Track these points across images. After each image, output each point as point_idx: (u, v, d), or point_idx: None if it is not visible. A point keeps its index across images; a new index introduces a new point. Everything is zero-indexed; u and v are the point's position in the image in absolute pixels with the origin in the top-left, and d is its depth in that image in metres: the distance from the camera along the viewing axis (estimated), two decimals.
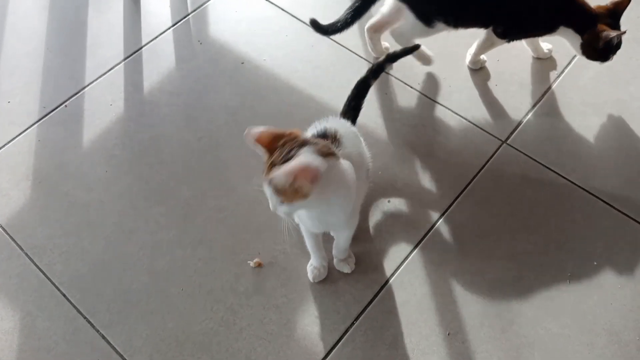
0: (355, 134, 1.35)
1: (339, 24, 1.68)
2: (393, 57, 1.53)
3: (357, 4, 1.66)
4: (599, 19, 1.59)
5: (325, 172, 1.02)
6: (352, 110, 1.48)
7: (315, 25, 1.69)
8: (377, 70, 1.50)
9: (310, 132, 1.30)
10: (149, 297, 1.44)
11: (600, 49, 1.60)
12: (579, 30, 1.61)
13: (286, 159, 1.02)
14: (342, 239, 1.38)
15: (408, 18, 1.68)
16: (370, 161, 1.39)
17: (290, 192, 1.03)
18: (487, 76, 1.82)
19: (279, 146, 1.06)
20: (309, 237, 1.37)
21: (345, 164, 1.15)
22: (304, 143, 1.06)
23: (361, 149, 1.33)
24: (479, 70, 1.83)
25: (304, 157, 1.01)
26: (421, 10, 1.65)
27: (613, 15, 1.61)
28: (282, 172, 0.99)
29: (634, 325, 1.39)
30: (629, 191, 1.58)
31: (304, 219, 1.26)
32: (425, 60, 1.79)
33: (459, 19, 1.66)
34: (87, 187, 1.61)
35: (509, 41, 1.71)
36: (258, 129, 1.09)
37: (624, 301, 1.42)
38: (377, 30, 1.80)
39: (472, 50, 1.80)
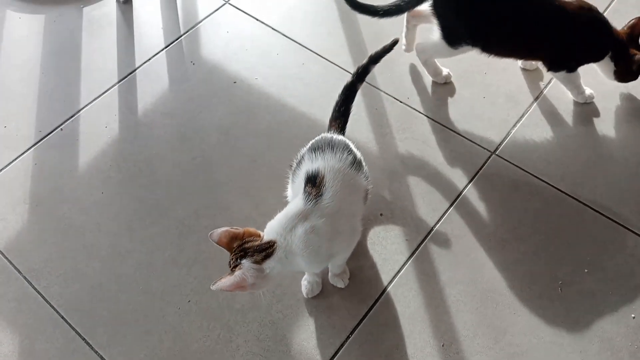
0: (351, 164, 1.32)
1: (388, 8, 1.68)
2: (375, 59, 1.52)
3: None
4: (626, 43, 1.66)
5: (262, 277, 1.21)
6: (341, 115, 1.49)
7: (352, 3, 1.69)
8: (362, 73, 1.51)
9: (305, 165, 1.32)
10: (145, 317, 1.45)
11: (634, 71, 1.67)
12: (615, 56, 1.66)
13: (234, 267, 1.22)
14: (338, 258, 1.40)
15: (434, 33, 1.69)
16: (370, 184, 1.41)
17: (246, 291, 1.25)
18: (476, 90, 1.85)
19: (234, 249, 1.23)
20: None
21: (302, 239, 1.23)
22: (245, 253, 1.22)
23: (357, 182, 1.33)
24: (467, 84, 1.85)
25: (238, 274, 1.19)
26: (449, 29, 1.65)
27: (633, 38, 1.67)
28: (220, 287, 1.19)
29: (625, 332, 1.40)
30: (617, 198, 1.60)
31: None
32: (438, 76, 1.83)
33: (493, 47, 1.66)
34: (83, 210, 1.63)
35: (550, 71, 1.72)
36: (218, 231, 1.24)
37: (616, 307, 1.44)
38: (414, 15, 1.79)
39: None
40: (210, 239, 1.25)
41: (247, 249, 1.22)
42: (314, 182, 1.26)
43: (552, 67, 1.70)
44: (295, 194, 1.33)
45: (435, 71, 1.83)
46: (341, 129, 1.47)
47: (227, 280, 1.19)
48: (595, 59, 1.69)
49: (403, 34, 1.85)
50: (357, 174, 1.33)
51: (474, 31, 1.64)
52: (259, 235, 1.25)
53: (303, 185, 1.27)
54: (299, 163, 1.35)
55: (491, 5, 1.61)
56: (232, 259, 1.24)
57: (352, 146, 1.39)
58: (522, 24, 1.61)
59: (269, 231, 1.25)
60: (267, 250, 1.22)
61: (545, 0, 1.61)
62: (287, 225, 1.23)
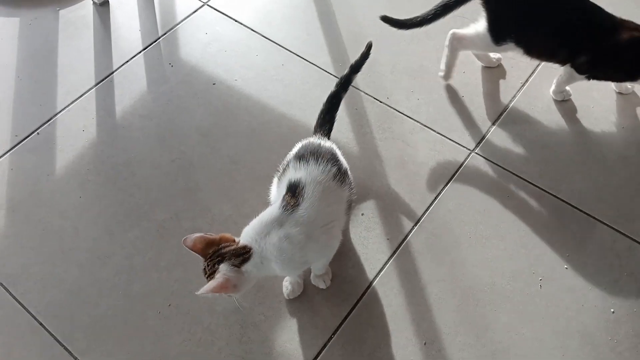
0: (334, 176, 1.31)
1: (419, 19, 1.67)
2: (356, 67, 1.54)
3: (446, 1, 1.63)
4: None
5: (242, 279, 1.22)
6: (326, 123, 1.51)
7: (387, 20, 1.69)
8: (346, 82, 1.53)
9: (290, 172, 1.31)
10: (126, 321, 1.43)
11: None
12: None
13: (212, 272, 1.22)
14: (318, 263, 1.40)
15: (480, 25, 1.68)
16: (354, 194, 1.42)
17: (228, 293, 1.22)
18: (454, 89, 1.86)
19: (210, 254, 1.23)
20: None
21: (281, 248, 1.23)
22: (222, 258, 1.22)
23: (338, 194, 1.32)
24: (447, 85, 1.86)
25: (219, 278, 1.20)
26: (496, 23, 1.64)
27: None
28: (206, 291, 1.18)
29: (605, 326, 1.42)
30: (596, 195, 1.62)
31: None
32: (489, 61, 1.85)
33: (534, 47, 1.66)
34: (61, 214, 1.61)
35: (589, 78, 1.69)
36: (192, 237, 1.24)
37: (596, 302, 1.45)
38: (459, 39, 1.76)
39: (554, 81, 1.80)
40: (183, 245, 1.24)
41: (224, 253, 1.23)
42: (293, 191, 1.26)
43: (582, 69, 1.67)
44: (276, 199, 1.33)
45: (485, 58, 1.85)
46: (327, 136, 1.49)
47: (210, 284, 1.19)
48: (632, 79, 1.69)
49: (443, 61, 1.81)
50: (341, 185, 1.32)
51: (521, 29, 1.63)
52: (234, 241, 1.25)
53: (283, 193, 1.27)
54: (285, 169, 1.35)
55: (544, 5, 1.61)
56: (207, 265, 1.24)
57: (338, 155, 1.39)
58: (572, 28, 1.61)
59: (245, 236, 1.25)
60: (243, 255, 1.22)
61: (601, 11, 1.60)
62: (261, 231, 1.23)
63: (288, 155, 1.40)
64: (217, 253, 1.22)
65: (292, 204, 1.24)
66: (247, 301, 1.45)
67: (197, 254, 1.25)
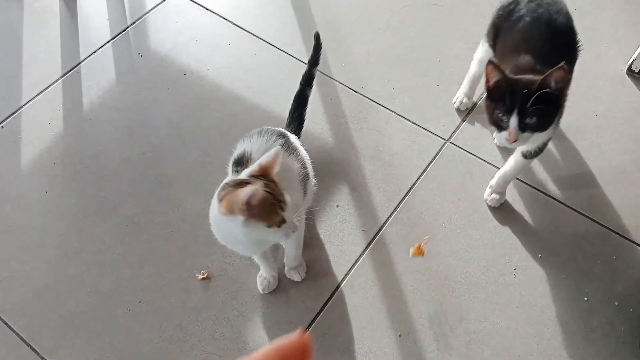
0: (282, 145, 1.31)
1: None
2: (314, 62, 1.53)
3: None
4: None
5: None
6: (295, 121, 1.51)
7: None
8: (309, 78, 1.52)
9: (234, 154, 1.31)
10: (95, 319, 1.40)
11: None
12: None
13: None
14: (292, 246, 1.38)
15: None
16: (311, 174, 1.41)
17: None
18: (430, 78, 1.84)
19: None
20: (258, 258, 1.38)
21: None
22: None
23: (288, 162, 1.31)
24: (421, 73, 1.84)
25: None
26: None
27: None
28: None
29: (579, 315, 1.42)
30: (567, 182, 1.62)
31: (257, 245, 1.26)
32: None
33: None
34: (28, 209, 1.56)
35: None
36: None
37: (569, 291, 1.46)
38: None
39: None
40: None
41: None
42: (239, 162, 1.24)
43: None
44: None
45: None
46: (296, 133, 1.48)
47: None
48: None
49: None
50: (288, 155, 1.31)
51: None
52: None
53: (231, 171, 1.26)
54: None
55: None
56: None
57: (288, 134, 1.38)
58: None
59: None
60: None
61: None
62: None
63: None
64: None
65: (240, 170, 1.21)
66: (219, 297, 1.43)
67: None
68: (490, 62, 1.25)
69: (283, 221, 1.10)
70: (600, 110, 1.77)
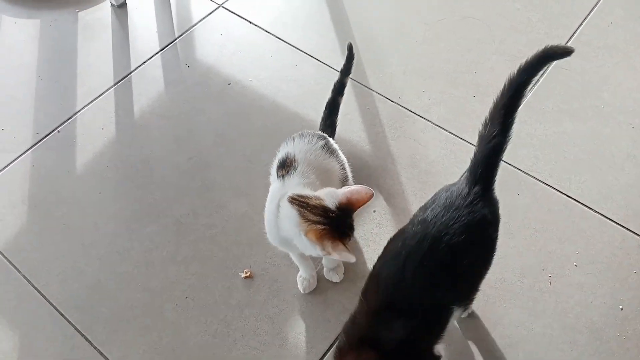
0: (323, 147, 1.39)
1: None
2: (346, 71, 1.63)
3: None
4: None
5: None
6: (328, 127, 1.59)
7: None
8: (340, 87, 1.61)
9: (276, 158, 1.39)
10: (144, 313, 1.48)
11: None
12: None
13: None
14: None
15: None
16: (348, 172, 1.48)
17: None
18: (466, 89, 1.89)
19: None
20: (297, 258, 1.44)
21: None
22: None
23: (329, 163, 1.39)
24: (457, 84, 1.89)
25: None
26: None
27: None
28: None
29: (614, 322, 1.44)
30: (605, 193, 1.64)
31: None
32: None
33: None
34: (81, 210, 1.66)
35: None
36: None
37: (604, 299, 1.47)
38: None
39: None
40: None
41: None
42: (283, 165, 1.32)
43: None
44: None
45: None
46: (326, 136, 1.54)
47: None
48: None
49: None
50: (329, 156, 1.38)
51: None
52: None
53: (275, 175, 1.33)
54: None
55: None
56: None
57: (327, 137, 1.46)
58: None
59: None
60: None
61: None
62: (272, 206, 1.27)
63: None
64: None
65: (285, 173, 1.29)
66: (261, 295, 1.49)
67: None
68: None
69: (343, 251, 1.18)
70: (636, 123, 1.79)
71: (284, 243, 1.30)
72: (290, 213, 1.20)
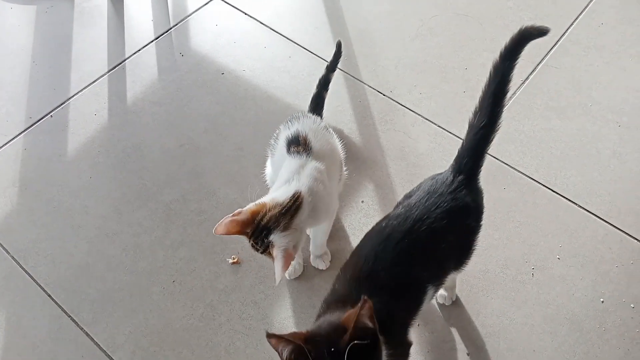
0: (325, 127, 1.46)
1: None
2: (332, 67, 1.67)
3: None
4: None
5: (297, 236, 1.24)
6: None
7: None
8: (325, 83, 1.65)
9: (283, 134, 1.38)
10: (131, 296, 1.49)
11: None
12: None
13: (266, 247, 1.22)
14: (320, 233, 1.46)
15: None
16: (344, 155, 1.53)
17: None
18: (456, 84, 1.91)
19: (251, 232, 1.22)
20: None
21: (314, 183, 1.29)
22: (267, 229, 1.21)
23: (333, 143, 1.44)
24: (448, 79, 1.91)
25: (279, 255, 1.19)
26: None
27: None
28: (280, 276, 1.19)
29: (594, 315, 1.46)
30: (590, 189, 1.67)
31: None
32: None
33: None
34: (72, 193, 1.67)
35: None
36: (223, 224, 1.21)
37: (586, 292, 1.50)
38: None
39: None
40: (216, 234, 1.22)
41: (267, 224, 1.20)
42: (296, 142, 1.33)
43: None
44: (276, 169, 1.39)
45: None
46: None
47: (277, 267, 1.18)
48: None
49: None
50: (332, 137, 1.43)
51: None
52: (265, 205, 1.23)
53: (286, 150, 1.34)
54: (277, 138, 1.43)
55: None
56: (256, 243, 1.22)
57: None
58: None
59: (281, 194, 1.26)
60: (293, 205, 1.22)
61: None
62: (293, 176, 1.27)
63: (277, 130, 1.48)
64: (259, 227, 1.20)
65: (302, 150, 1.31)
66: (248, 280, 1.51)
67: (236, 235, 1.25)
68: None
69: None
70: (623, 121, 1.81)
71: None
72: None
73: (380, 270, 1.12)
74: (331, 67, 1.67)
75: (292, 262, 1.49)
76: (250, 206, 1.24)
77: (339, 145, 1.50)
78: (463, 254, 1.27)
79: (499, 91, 1.21)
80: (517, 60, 1.20)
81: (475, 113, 1.25)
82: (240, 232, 1.22)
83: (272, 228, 1.20)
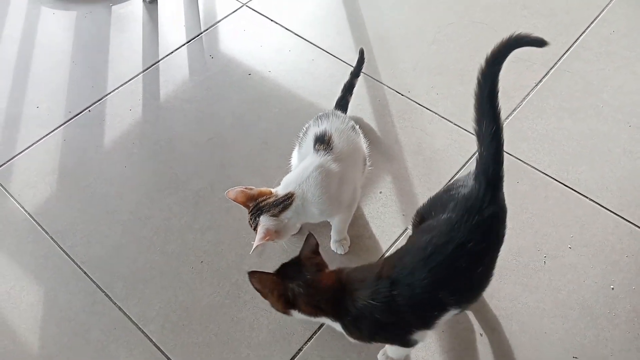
0: (352, 127, 1.53)
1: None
2: (356, 73, 1.78)
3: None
4: None
5: (281, 226, 1.36)
6: None
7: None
8: (350, 87, 1.75)
9: (312, 130, 1.50)
10: (161, 274, 1.58)
11: None
12: None
13: (255, 225, 1.36)
14: (338, 221, 1.54)
15: None
16: (368, 151, 1.61)
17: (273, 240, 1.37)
18: (472, 86, 1.99)
19: (251, 208, 1.38)
20: None
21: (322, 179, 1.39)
22: (261, 210, 1.36)
23: (357, 143, 1.52)
24: (464, 81, 2.00)
25: (260, 230, 1.33)
26: None
27: None
28: (254, 245, 1.32)
29: (604, 301, 1.51)
30: (601, 184, 1.73)
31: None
32: None
33: None
34: (107, 181, 1.78)
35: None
36: (234, 190, 1.38)
37: (596, 279, 1.55)
38: None
39: None
40: (227, 196, 1.39)
41: (262, 206, 1.37)
42: (322, 140, 1.42)
43: None
44: (300, 160, 1.48)
45: None
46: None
47: (256, 240, 1.32)
48: None
49: None
50: (357, 136, 1.50)
51: None
52: (271, 193, 1.39)
53: (312, 146, 1.43)
54: (306, 132, 1.51)
55: None
56: (250, 218, 1.38)
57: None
58: None
59: (287, 184, 1.40)
60: (284, 202, 1.36)
61: None
62: (303, 175, 1.38)
63: (306, 123, 1.58)
64: (256, 207, 1.36)
65: (324, 148, 1.41)
66: (272, 263, 1.59)
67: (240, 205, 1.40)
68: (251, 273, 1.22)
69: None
70: (634, 122, 1.88)
71: None
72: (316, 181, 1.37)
73: (408, 283, 1.17)
74: (355, 73, 1.78)
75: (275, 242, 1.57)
76: (263, 188, 1.40)
77: (364, 144, 1.58)
78: (491, 269, 1.29)
79: (492, 95, 1.24)
80: (502, 65, 1.23)
81: (479, 122, 1.26)
82: (244, 204, 1.39)
83: (264, 211, 1.35)
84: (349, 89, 1.76)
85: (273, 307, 1.24)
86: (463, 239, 1.18)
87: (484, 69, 1.24)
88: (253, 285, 1.20)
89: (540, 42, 1.20)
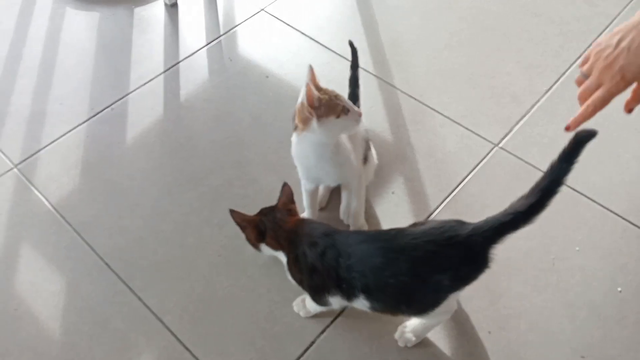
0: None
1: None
2: (354, 65, 1.78)
3: None
4: None
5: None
6: None
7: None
8: (354, 80, 1.77)
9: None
10: (180, 267, 1.63)
11: None
12: None
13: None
14: (353, 197, 1.60)
15: None
16: (370, 141, 1.71)
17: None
18: (483, 90, 2.04)
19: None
20: (307, 194, 1.63)
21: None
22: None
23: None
24: (475, 86, 2.05)
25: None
26: None
27: None
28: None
29: (612, 302, 1.55)
30: (610, 188, 1.77)
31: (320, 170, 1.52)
32: None
33: None
34: (129, 176, 1.84)
35: None
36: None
37: (604, 281, 1.59)
38: None
39: None
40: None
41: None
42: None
43: None
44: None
45: None
46: None
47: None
48: None
49: None
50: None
51: None
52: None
53: None
54: None
55: None
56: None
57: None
58: None
59: None
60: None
61: None
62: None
63: None
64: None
65: None
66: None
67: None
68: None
69: (346, 110, 1.39)
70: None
71: (312, 162, 1.50)
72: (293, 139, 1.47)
73: (345, 252, 1.31)
74: (353, 65, 1.78)
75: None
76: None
77: (364, 129, 1.64)
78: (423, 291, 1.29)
79: (549, 189, 1.30)
80: (574, 164, 1.25)
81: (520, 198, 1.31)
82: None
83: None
84: (354, 82, 1.78)
85: (247, 240, 1.45)
86: (415, 245, 1.23)
87: (555, 162, 1.29)
88: (234, 219, 1.42)
89: (594, 134, 1.24)
